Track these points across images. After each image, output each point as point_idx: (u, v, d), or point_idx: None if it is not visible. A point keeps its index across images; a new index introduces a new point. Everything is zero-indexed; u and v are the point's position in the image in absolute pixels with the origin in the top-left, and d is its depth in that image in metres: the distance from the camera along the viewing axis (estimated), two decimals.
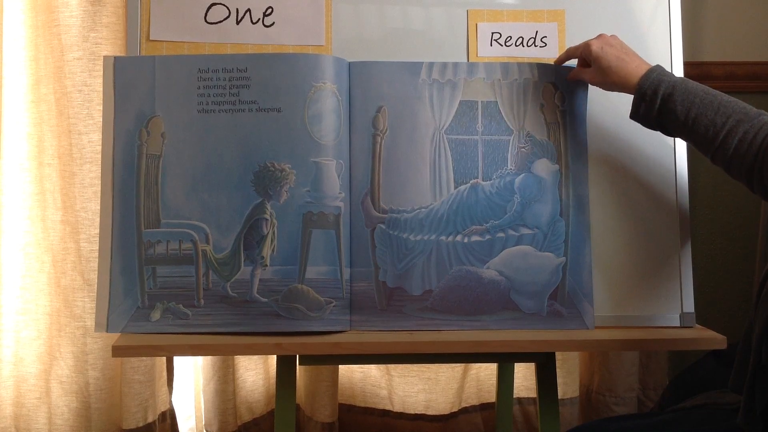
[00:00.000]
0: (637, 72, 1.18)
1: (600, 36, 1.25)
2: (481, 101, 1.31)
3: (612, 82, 1.21)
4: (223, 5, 1.35)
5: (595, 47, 1.22)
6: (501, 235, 1.29)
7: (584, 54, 1.24)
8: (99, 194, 1.28)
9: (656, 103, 1.15)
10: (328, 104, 1.27)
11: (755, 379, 0.95)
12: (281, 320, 1.24)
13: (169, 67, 1.28)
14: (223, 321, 1.24)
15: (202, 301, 1.25)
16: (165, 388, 1.77)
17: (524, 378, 1.91)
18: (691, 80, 1.16)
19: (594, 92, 1.32)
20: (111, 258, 1.25)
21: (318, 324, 1.24)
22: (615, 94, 1.29)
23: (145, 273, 1.26)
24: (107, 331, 1.24)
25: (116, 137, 1.27)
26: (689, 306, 1.33)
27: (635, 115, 1.20)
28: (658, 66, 1.19)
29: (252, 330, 1.23)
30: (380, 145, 1.29)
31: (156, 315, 1.24)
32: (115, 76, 1.27)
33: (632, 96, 1.19)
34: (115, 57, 1.28)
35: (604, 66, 1.21)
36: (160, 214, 1.26)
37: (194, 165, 1.27)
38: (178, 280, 1.25)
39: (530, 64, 1.32)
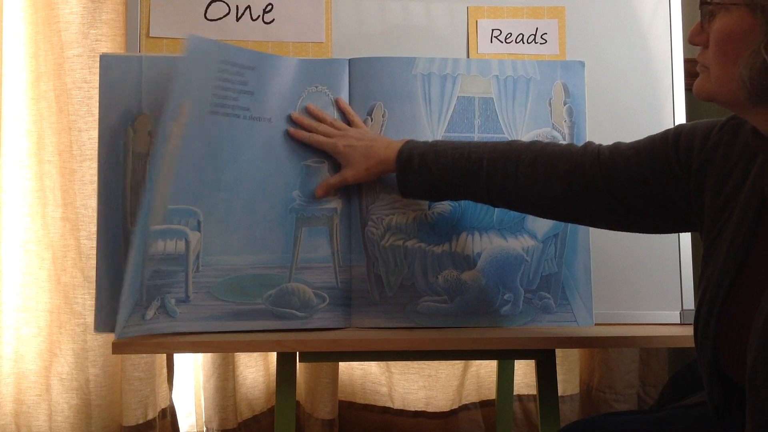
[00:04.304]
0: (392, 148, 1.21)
1: (344, 135, 1.25)
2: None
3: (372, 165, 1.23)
4: (223, 2, 1.35)
5: (341, 145, 1.24)
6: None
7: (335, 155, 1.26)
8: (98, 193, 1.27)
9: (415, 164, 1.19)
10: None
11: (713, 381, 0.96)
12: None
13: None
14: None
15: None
16: (165, 385, 1.77)
17: (524, 375, 1.91)
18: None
19: (593, 90, 1.32)
20: (98, 257, 1.23)
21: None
22: (614, 92, 1.29)
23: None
24: (95, 331, 1.22)
25: (101, 136, 1.25)
26: (689, 303, 1.33)
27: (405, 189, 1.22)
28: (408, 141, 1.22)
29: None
30: None
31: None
32: (101, 75, 1.25)
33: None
34: (101, 55, 1.26)
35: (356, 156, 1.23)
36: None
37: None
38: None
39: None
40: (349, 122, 1.29)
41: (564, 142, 1.30)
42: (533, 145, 1.15)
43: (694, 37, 0.92)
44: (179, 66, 1.17)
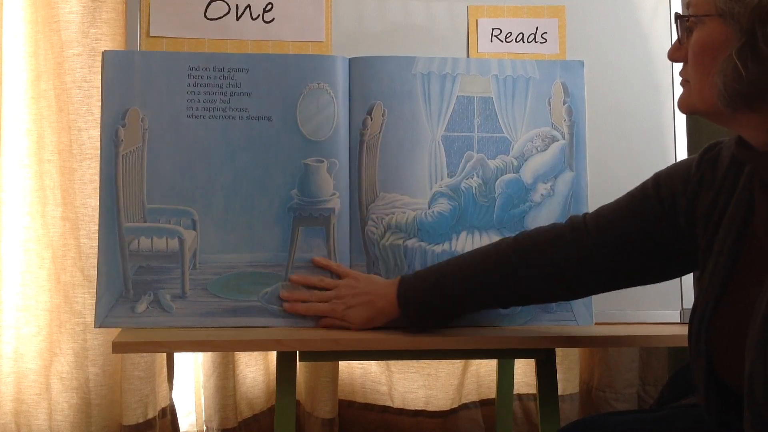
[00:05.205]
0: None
1: (339, 295, 1.23)
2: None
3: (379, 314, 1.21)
4: (223, 1, 1.35)
5: (340, 310, 1.22)
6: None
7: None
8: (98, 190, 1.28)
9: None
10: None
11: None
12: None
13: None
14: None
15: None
16: (165, 384, 1.77)
17: (524, 374, 1.90)
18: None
19: (593, 90, 1.32)
20: (99, 252, 1.25)
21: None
22: (614, 92, 1.29)
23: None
24: (96, 326, 1.23)
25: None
26: (689, 302, 1.33)
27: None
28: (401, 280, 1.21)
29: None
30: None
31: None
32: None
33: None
34: (103, 51, 1.28)
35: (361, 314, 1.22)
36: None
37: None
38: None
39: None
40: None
41: (563, 138, 1.30)
42: (520, 242, 1.16)
43: (673, 53, 0.93)
44: (105, 79, 1.25)
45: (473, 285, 1.17)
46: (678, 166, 1.06)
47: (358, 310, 1.21)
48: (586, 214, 1.15)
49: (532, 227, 1.25)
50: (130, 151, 1.25)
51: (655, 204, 1.06)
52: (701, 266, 1.00)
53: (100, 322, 1.23)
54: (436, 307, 1.19)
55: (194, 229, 1.26)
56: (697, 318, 0.95)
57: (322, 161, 1.27)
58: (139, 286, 1.24)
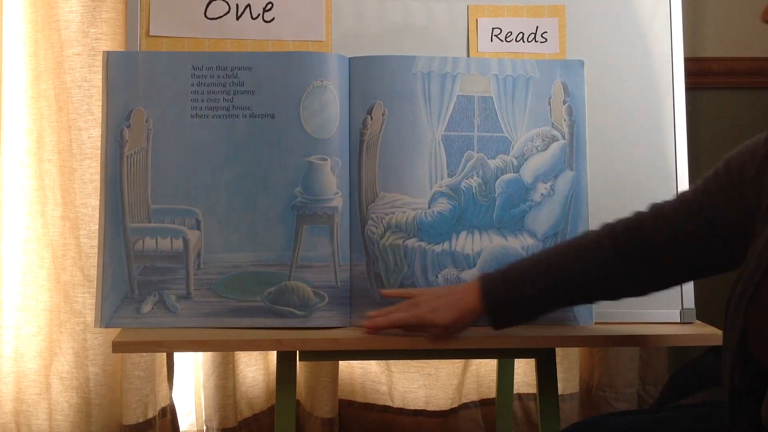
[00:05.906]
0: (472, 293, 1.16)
1: (416, 303, 1.19)
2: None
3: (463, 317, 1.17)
4: (224, 1, 1.35)
5: (424, 313, 1.17)
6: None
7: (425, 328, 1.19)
8: (99, 190, 1.28)
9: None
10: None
11: (734, 405, 0.95)
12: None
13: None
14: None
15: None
16: (165, 383, 1.77)
17: (524, 374, 1.90)
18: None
19: (593, 90, 1.32)
20: (103, 253, 1.25)
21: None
22: (614, 91, 1.28)
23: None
24: (99, 326, 1.24)
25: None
26: (689, 302, 1.33)
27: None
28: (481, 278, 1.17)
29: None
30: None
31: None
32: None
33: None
34: (108, 52, 1.28)
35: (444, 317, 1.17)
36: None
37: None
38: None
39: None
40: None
41: (563, 138, 1.30)
42: (608, 232, 1.12)
43: (766, 13, 0.91)
44: (108, 80, 1.26)
45: (563, 277, 1.13)
46: (744, 145, 1.04)
47: (444, 312, 1.16)
48: (666, 201, 1.12)
49: (533, 227, 1.25)
50: (135, 152, 1.26)
51: (725, 181, 1.03)
52: (759, 229, 0.96)
53: (106, 322, 1.23)
54: (525, 302, 1.15)
55: (198, 228, 1.26)
56: (739, 290, 0.94)
57: (326, 159, 1.27)
58: (144, 286, 1.24)
